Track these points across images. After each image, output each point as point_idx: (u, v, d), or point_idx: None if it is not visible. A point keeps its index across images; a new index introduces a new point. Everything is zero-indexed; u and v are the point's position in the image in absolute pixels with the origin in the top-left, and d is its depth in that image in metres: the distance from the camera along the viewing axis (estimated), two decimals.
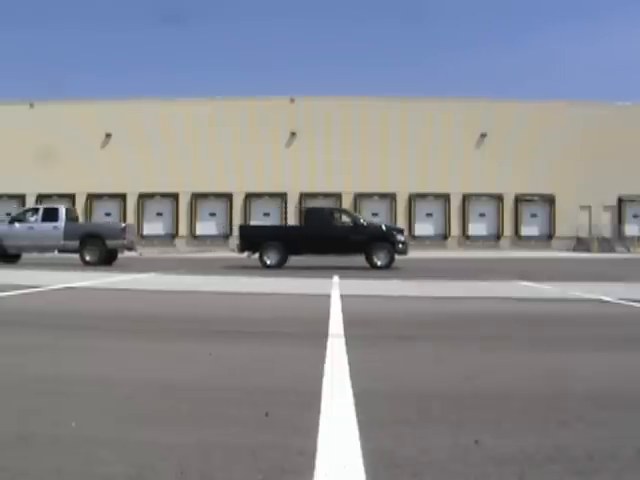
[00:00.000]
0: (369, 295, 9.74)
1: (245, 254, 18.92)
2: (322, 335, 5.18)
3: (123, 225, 20.37)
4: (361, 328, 5.88)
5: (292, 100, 42.03)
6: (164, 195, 41.42)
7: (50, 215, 19.37)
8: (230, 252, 28.43)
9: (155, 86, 79.05)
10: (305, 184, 41.16)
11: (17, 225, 19.44)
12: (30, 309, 7.58)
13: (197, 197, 42.03)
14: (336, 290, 9.94)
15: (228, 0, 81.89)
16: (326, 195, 41.61)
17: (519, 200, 42.01)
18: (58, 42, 79.50)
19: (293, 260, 18.65)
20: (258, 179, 40.91)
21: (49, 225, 19.10)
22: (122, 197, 41.94)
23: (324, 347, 4.61)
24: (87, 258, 18.63)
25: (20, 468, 2.20)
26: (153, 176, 40.81)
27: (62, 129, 41.10)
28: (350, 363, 4.01)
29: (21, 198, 42.43)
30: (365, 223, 19.41)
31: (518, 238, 41.83)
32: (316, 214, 19.98)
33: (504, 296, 9.67)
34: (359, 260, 18.68)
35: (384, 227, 19.92)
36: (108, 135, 42.34)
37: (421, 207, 41.48)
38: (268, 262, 17.99)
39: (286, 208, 41.99)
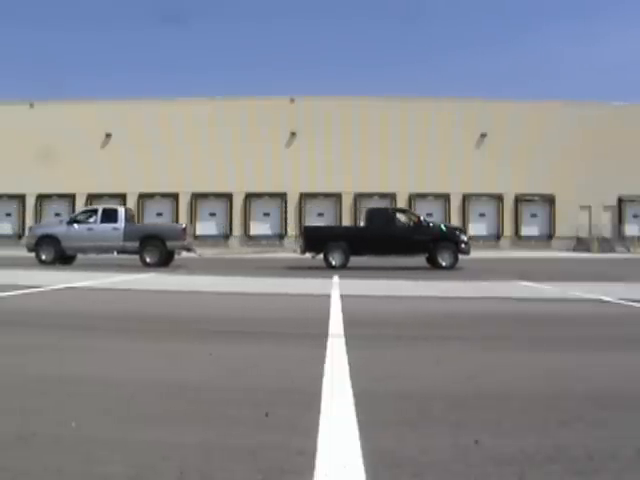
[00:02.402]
0: (369, 295, 9.74)
1: (308, 255, 18.78)
2: (322, 335, 5.18)
3: (184, 226, 20.11)
4: (361, 328, 5.88)
5: (292, 100, 42.03)
6: (164, 195, 41.42)
7: (109, 216, 19.17)
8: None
9: (155, 86, 79.00)
10: (305, 184, 41.17)
11: (76, 226, 19.20)
12: (31, 309, 7.58)
13: (197, 197, 42.02)
14: (336, 290, 9.94)
15: (228, 0, 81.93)
16: (326, 195, 41.62)
17: (519, 200, 41.99)
18: (58, 42, 79.54)
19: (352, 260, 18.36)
20: (258, 179, 40.92)
21: (108, 226, 18.89)
22: (122, 197, 41.89)
23: (324, 347, 4.61)
24: (147, 260, 18.38)
25: (21, 468, 2.20)
26: (153, 176, 40.82)
27: (62, 129, 41.10)
28: (350, 363, 4.01)
29: (21, 198, 42.46)
30: (429, 224, 19.25)
31: (518, 238, 41.82)
32: (379, 214, 19.74)
33: (504, 296, 9.67)
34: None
35: (444, 227, 19.80)
36: (108, 135, 42.34)
37: (421, 207, 41.38)
38: (333, 263, 17.84)
39: (286, 208, 41.99)
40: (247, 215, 41.92)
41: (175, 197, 41.73)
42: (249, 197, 41.98)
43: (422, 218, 19.46)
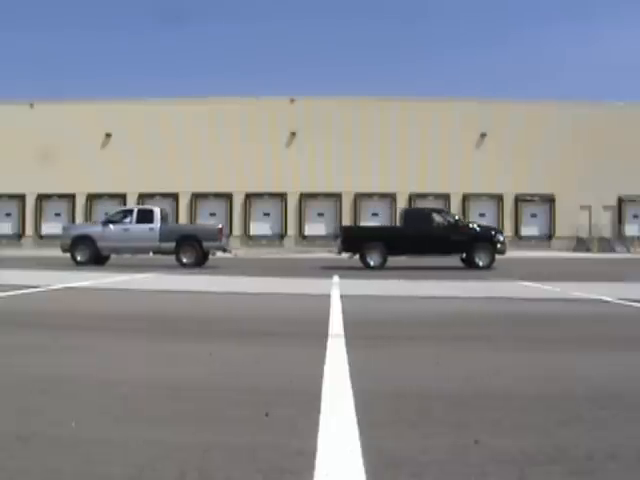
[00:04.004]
0: (369, 295, 9.74)
1: (345, 255, 18.76)
2: (322, 335, 5.18)
3: (220, 226, 20.16)
4: (361, 328, 5.88)
5: (292, 100, 42.03)
6: (164, 195, 41.41)
7: (145, 216, 19.15)
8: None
9: (155, 86, 79.11)
10: (305, 184, 41.17)
11: (111, 227, 19.18)
12: (30, 309, 7.58)
13: (197, 197, 42.03)
14: (336, 290, 9.94)
15: (228, 0, 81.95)
16: (326, 195, 41.61)
17: (519, 200, 42.00)
18: (58, 42, 79.61)
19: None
20: (258, 179, 40.92)
21: (145, 227, 18.89)
22: (122, 197, 41.93)
23: (324, 347, 4.61)
24: (184, 260, 18.37)
25: (20, 467, 2.20)
26: (153, 176, 40.82)
27: (62, 129, 41.10)
28: (350, 363, 4.01)
29: (21, 198, 42.46)
30: (466, 224, 19.23)
31: (518, 238, 41.82)
32: (416, 214, 19.75)
33: (504, 296, 9.67)
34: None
35: (478, 226, 19.82)
36: (108, 135, 42.34)
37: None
38: (372, 263, 17.77)
39: (286, 208, 42.00)
40: (247, 215, 41.92)
41: (175, 197, 41.75)
42: (249, 197, 41.99)
43: (456, 216, 19.48)
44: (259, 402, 3.07)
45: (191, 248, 18.54)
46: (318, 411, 2.88)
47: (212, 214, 41.78)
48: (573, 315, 7.29)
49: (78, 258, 18.79)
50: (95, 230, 19.41)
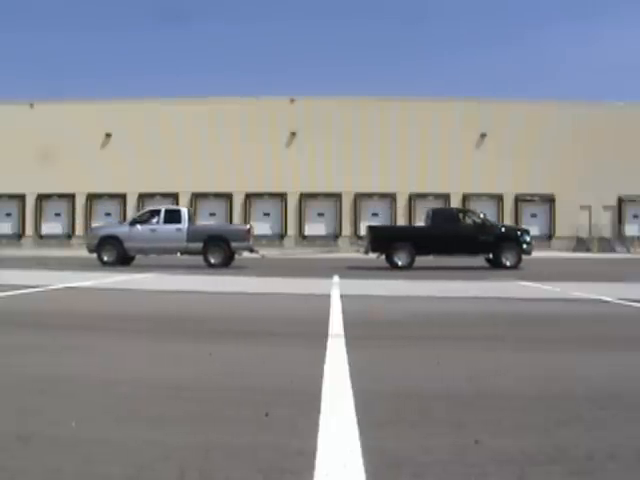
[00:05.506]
0: (369, 295, 9.74)
1: (372, 255, 18.75)
2: (322, 335, 5.18)
3: (248, 227, 20.07)
4: (361, 328, 5.88)
5: (292, 100, 42.03)
6: (164, 195, 41.40)
7: (172, 217, 19.06)
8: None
9: (155, 86, 79.15)
10: (305, 184, 41.16)
11: (139, 227, 19.06)
12: (30, 309, 7.58)
13: (197, 197, 42.01)
14: (336, 290, 9.93)
15: (228, 0, 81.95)
16: (326, 195, 41.60)
17: (519, 200, 41.99)
18: (58, 42, 79.61)
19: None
20: (258, 179, 40.91)
21: (172, 227, 18.79)
22: (122, 197, 41.95)
23: (324, 347, 4.60)
24: (212, 260, 18.28)
25: (19, 467, 2.20)
26: (153, 176, 40.81)
27: (62, 129, 41.09)
28: (350, 363, 4.00)
29: (21, 198, 42.45)
30: (493, 224, 19.26)
31: None
32: (443, 214, 19.77)
33: (504, 296, 9.66)
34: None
35: (503, 227, 19.84)
36: (108, 135, 42.33)
37: (421, 207, 41.39)
38: (399, 263, 17.70)
39: (286, 208, 41.98)
40: (247, 215, 41.90)
41: (175, 197, 41.72)
42: (249, 197, 41.98)
43: (481, 215, 19.55)
44: (259, 402, 3.07)
45: (219, 248, 18.45)
46: (318, 411, 2.88)
47: (212, 214, 41.78)
48: (573, 315, 7.29)
49: (105, 258, 18.66)
50: (122, 230, 19.29)
